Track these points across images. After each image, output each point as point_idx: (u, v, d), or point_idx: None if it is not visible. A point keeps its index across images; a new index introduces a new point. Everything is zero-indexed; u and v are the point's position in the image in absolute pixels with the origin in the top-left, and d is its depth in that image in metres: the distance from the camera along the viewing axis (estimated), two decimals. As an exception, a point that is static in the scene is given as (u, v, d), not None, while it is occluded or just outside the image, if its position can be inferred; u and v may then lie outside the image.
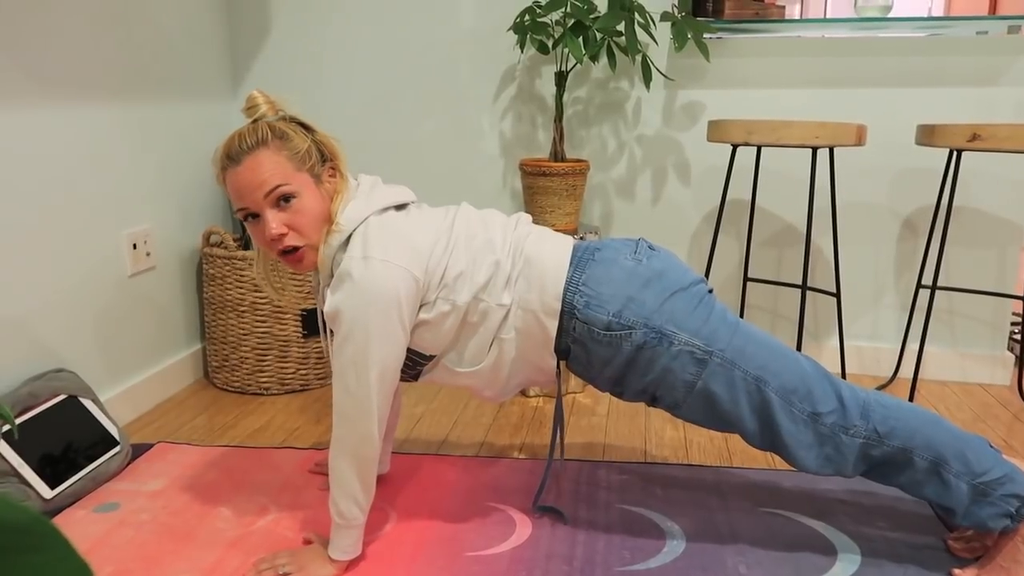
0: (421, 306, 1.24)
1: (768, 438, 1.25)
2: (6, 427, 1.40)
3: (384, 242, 1.19)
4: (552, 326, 1.24)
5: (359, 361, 1.18)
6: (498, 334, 1.26)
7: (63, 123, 1.65)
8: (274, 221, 1.20)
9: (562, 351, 1.28)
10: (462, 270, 1.23)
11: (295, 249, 1.23)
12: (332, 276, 1.25)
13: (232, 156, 1.21)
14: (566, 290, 1.24)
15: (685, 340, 1.20)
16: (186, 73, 2.09)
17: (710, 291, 1.29)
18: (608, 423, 1.89)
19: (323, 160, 1.27)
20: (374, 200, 1.26)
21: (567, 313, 1.24)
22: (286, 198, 1.20)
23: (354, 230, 1.22)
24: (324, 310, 1.22)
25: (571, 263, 1.26)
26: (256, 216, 1.22)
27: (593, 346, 1.24)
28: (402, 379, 1.33)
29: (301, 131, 1.26)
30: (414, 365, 1.30)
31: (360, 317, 1.17)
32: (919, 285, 2.05)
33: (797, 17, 2.16)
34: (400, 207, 1.30)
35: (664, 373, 1.22)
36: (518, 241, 1.29)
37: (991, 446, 1.27)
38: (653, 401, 1.28)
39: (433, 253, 1.23)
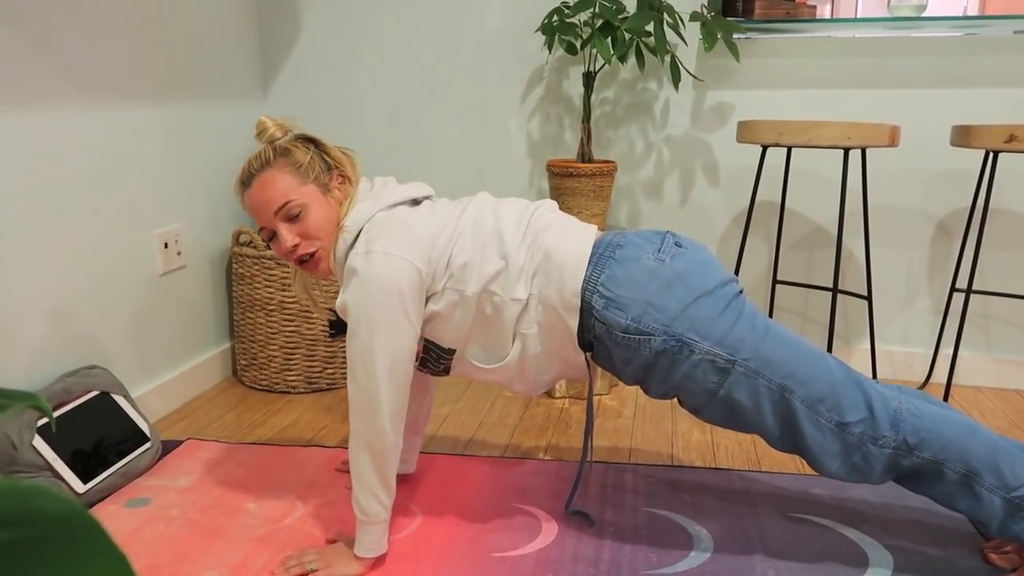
0: (430, 297, 1.23)
1: (791, 443, 1.21)
2: (42, 421, 1.43)
3: (386, 235, 1.21)
4: (573, 322, 1.21)
5: (365, 354, 1.18)
6: (518, 329, 1.24)
7: (97, 124, 1.68)
8: (287, 234, 1.27)
9: (585, 345, 1.25)
10: (468, 260, 1.22)
11: (311, 256, 1.28)
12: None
13: (244, 180, 1.30)
14: (584, 288, 1.19)
15: (707, 349, 1.16)
16: (217, 75, 2.12)
17: (740, 291, 1.24)
18: (634, 425, 1.87)
19: (329, 169, 1.31)
20: (382, 199, 1.27)
21: (586, 311, 1.20)
22: (295, 212, 1.26)
23: (361, 229, 1.24)
24: (335, 308, 1.24)
25: (591, 260, 1.21)
26: (274, 234, 1.29)
27: (612, 346, 1.21)
28: (433, 373, 1.33)
29: (304, 145, 1.31)
30: (438, 359, 1.30)
31: (364, 311, 1.18)
32: (953, 288, 2.01)
33: (828, 17, 2.13)
34: (416, 202, 1.31)
35: (685, 380, 1.19)
36: (537, 233, 1.24)
37: None
38: (679, 401, 1.27)
39: (437, 242, 1.22)
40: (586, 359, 1.27)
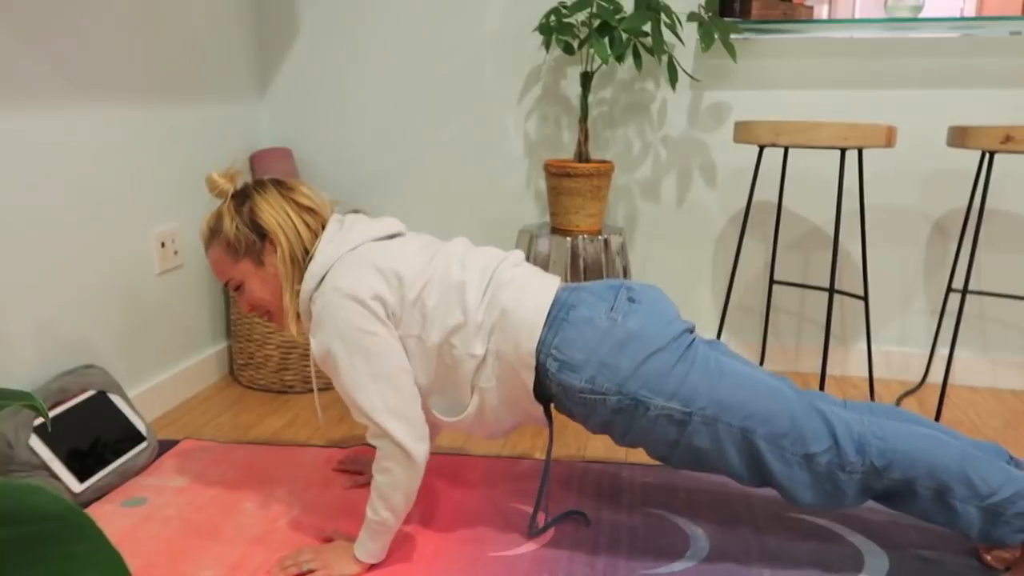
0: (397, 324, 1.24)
1: (761, 480, 1.22)
2: (38, 420, 1.43)
3: (348, 273, 1.22)
4: (529, 379, 1.22)
5: (352, 392, 1.20)
6: (476, 382, 1.24)
7: (94, 123, 1.68)
8: (241, 302, 1.37)
9: (545, 399, 1.26)
10: (434, 305, 1.22)
11: (267, 315, 1.37)
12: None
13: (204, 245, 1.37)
14: (539, 350, 1.20)
15: (661, 405, 1.16)
16: (214, 75, 2.12)
17: (693, 338, 1.24)
18: (631, 425, 1.87)
19: (262, 237, 1.30)
20: (347, 240, 1.27)
21: (541, 371, 1.21)
22: (236, 287, 1.34)
23: (326, 272, 1.24)
24: (312, 357, 1.25)
25: (546, 320, 1.21)
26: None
27: (570, 404, 1.22)
28: None
29: (237, 213, 1.30)
30: None
31: (333, 349, 1.20)
32: (949, 289, 2.01)
33: (825, 17, 2.13)
34: (391, 237, 1.31)
35: (645, 433, 1.20)
36: (497, 289, 1.24)
37: (1009, 457, 1.24)
38: (645, 451, 1.26)
39: (404, 278, 1.22)
40: (547, 411, 1.28)
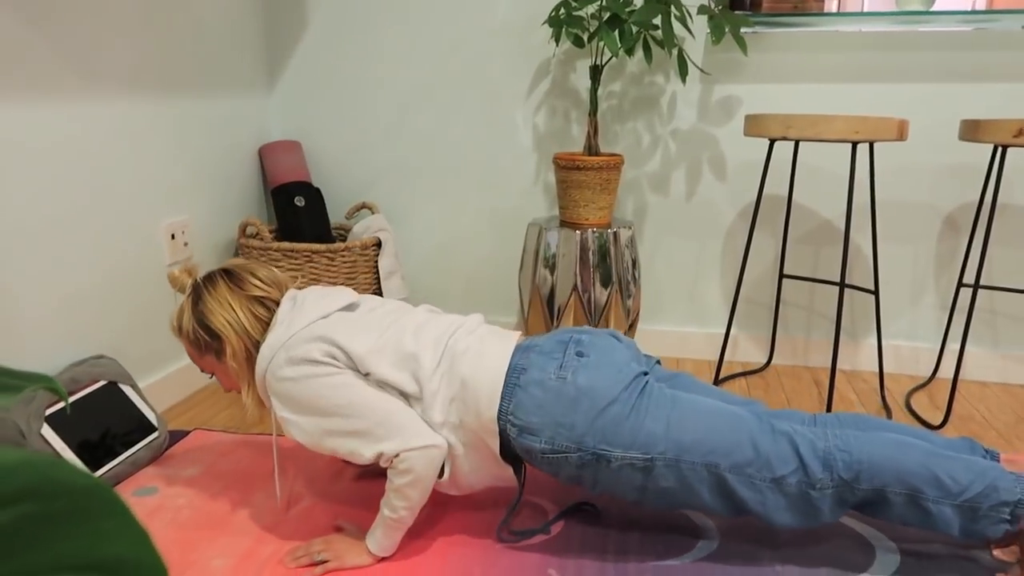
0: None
1: (735, 510, 1.22)
2: (50, 409, 1.43)
3: (294, 344, 1.23)
4: (495, 444, 1.23)
5: (332, 442, 1.21)
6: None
7: (105, 116, 1.68)
8: (221, 382, 1.38)
9: (514, 459, 1.27)
10: (387, 376, 1.21)
11: (238, 390, 1.35)
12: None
13: None
14: (498, 418, 1.20)
15: (621, 455, 1.18)
16: (224, 68, 2.12)
17: (646, 381, 1.24)
18: (640, 419, 1.87)
19: (212, 336, 1.30)
20: (296, 321, 1.26)
21: (504, 436, 1.22)
22: (208, 374, 1.38)
23: (275, 354, 1.24)
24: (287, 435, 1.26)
25: (502, 387, 1.21)
26: None
27: (537, 464, 1.24)
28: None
29: (190, 315, 1.31)
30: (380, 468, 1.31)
31: (291, 411, 1.22)
32: (960, 284, 2.00)
33: (835, 11, 2.12)
34: (343, 309, 1.31)
35: (612, 482, 1.21)
36: (453, 360, 1.24)
37: (984, 451, 1.25)
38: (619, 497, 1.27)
39: (353, 353, 1.22)
40: (519, 470, 1.29)
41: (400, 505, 1.21)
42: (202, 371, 1.38)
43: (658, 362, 1.39)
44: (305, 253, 2.03)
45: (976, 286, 1.82)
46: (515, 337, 1.30)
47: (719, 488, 1.19)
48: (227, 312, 1.29)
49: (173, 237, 1.91)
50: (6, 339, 1.46)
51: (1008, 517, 1.17)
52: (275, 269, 1.38)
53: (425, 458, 1.19)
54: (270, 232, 2.07)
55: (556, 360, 1.23)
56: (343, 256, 2.06)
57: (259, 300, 1.31)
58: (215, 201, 2.09)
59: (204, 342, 1.31)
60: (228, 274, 1.32)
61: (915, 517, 1.19)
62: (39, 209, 1.51)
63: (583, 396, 1.19)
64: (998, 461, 1.26)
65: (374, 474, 1.53)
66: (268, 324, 1.30)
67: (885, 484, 1.17)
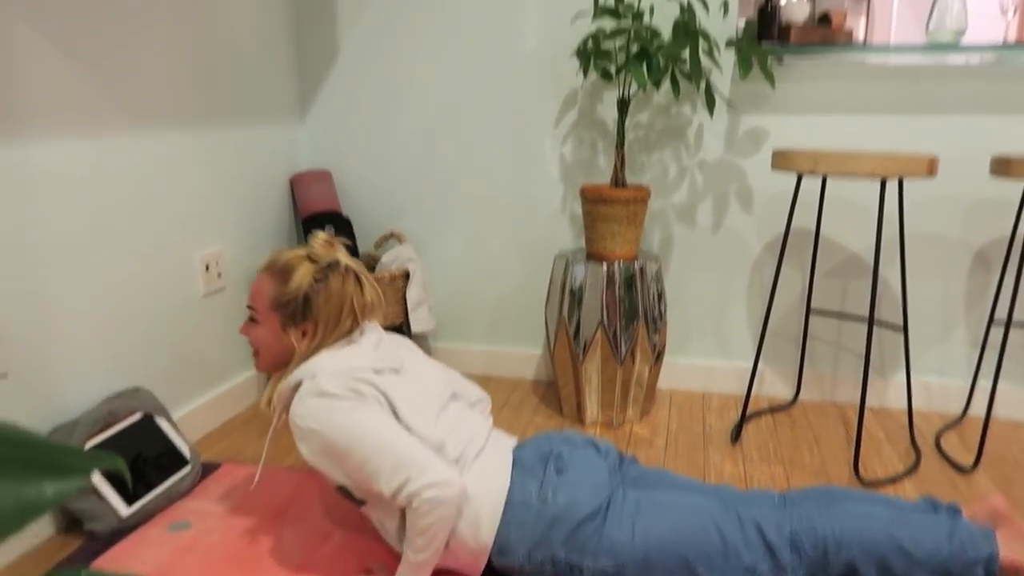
0: None
1: None
2: (91, 443, 1.46)
3: (330, 376, 1.26)
4: (482, 561, 1.28)
5: (359, 472, 1.23)
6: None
7: (140, 148, 1.72)
8: (244, 325, 1.40)
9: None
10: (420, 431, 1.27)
11: (255, 351, 1.39)
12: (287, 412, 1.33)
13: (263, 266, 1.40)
14: None
15: (591, 565, 1.23)
16: (256, 98, 2.16)
17: (621, 492, 1.29)
18: (666, 456, 1.87)
19: (304, 317, 1.33)
20: (350, 360, 1.30)
21: None
22: (251, 317, 1.38)
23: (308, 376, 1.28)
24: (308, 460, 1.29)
25: None
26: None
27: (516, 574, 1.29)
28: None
29: (311, 281, 1.33)
30: (355, 500, 1.33)
31: (319, 443, 1.24)
32: (991, 320, 1.98)
33: (863, 42, 2.11)
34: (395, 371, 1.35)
35: None
36: (466, 464, 1.30)
37: (948, 510, 1.25)
38: None
39: (376, 381, 1.28)
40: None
41: (425, 546, 1.22)
42: (243, 332, 1.39)
43: (634, 459, 1.45)
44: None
45: (1009, 323, 1.80)
46: (511, 447, 1.37)
47: None
48: (334, 308, 1.34)
49: (207, 268, 1.95)
50: (46, 370, 1.50)
51: (982, 574, 1.17)
52: (379, 292, 1.40)
53: (446, 494, 1.21)
54: (300, 262, 2.10)
55: (537, 479, 1.29)
56: (372, 287, 2.08)
57: (363, 307, 1.36)
58: (248, 231, 2.13)
59: (292, 308, 1.33)
60: (357, 278, 1.37)
61: None
62: (76, 241, 1.55)
63: (561, 517, 1.24)
64: (959, 513, 1.26)
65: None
66: (346, 336, 1.36)
67: (853, 558, 1.19)
